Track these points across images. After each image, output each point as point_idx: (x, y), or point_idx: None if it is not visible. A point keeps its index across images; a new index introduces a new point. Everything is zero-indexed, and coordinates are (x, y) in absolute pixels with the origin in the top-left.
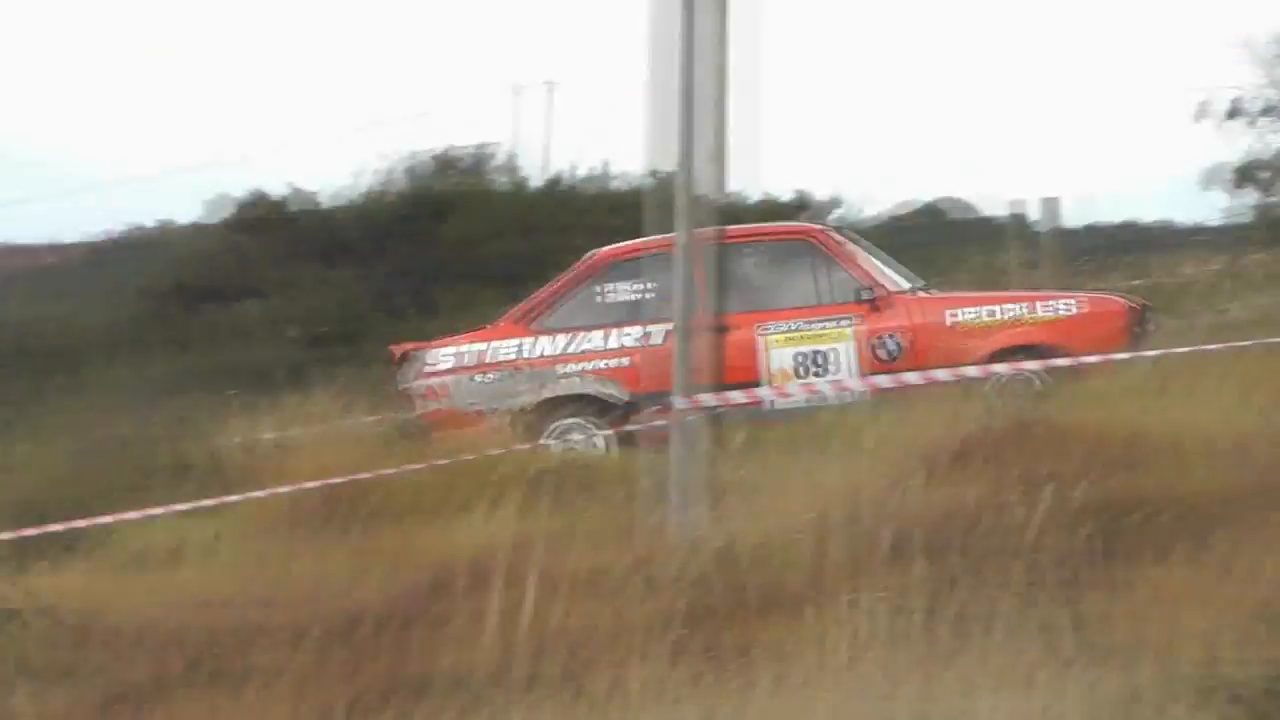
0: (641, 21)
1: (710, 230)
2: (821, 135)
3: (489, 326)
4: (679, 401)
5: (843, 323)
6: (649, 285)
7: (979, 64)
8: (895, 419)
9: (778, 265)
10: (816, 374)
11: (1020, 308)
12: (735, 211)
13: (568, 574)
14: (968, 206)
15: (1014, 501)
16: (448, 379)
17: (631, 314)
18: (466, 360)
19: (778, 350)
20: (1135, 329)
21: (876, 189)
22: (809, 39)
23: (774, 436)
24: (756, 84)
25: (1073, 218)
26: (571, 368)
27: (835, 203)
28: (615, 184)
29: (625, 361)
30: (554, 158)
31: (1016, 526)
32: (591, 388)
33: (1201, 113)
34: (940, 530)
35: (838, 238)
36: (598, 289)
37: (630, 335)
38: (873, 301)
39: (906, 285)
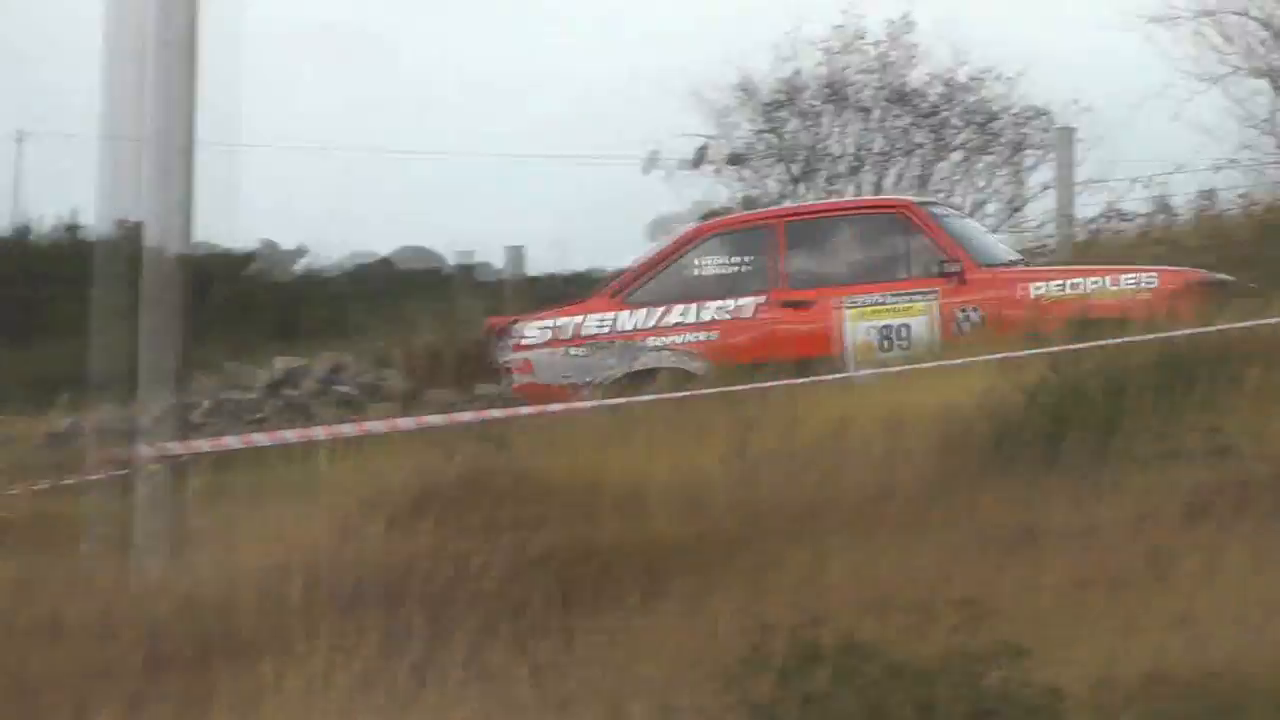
0: (109, 70)
1: None
2: (293, 186)
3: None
4: (143, 449)
5: (928, 296)
6: (744, 259)
7: (458, 113)
8: (361, 463)
9: (866, 239)
10: (901, 348)
11: (1103, 280)
12: (200, 261)
13: (27, 622)
14: (434, 256)
15: (472, 549)
16: (540, 352)
17: (722, 288)
18: (559, 334)
19: (858, 324)
20: (1216, 303)
21: (345, 238)
22: (284, 90)
23: (242, 482)
24: (229, 134)
25: (541, 265)
26: (659, 341)
27: (300, 252)
28: (83, 234)
29: (713, 335)
30: (23, 207)
31: (474, 574)
32: (674, 362)
33: (650, 164)
34: (399, 578)
35: (932, 210)
36: (693, 262)
37: (720, 309)
38: (957, 275)
39: (1003, 259)
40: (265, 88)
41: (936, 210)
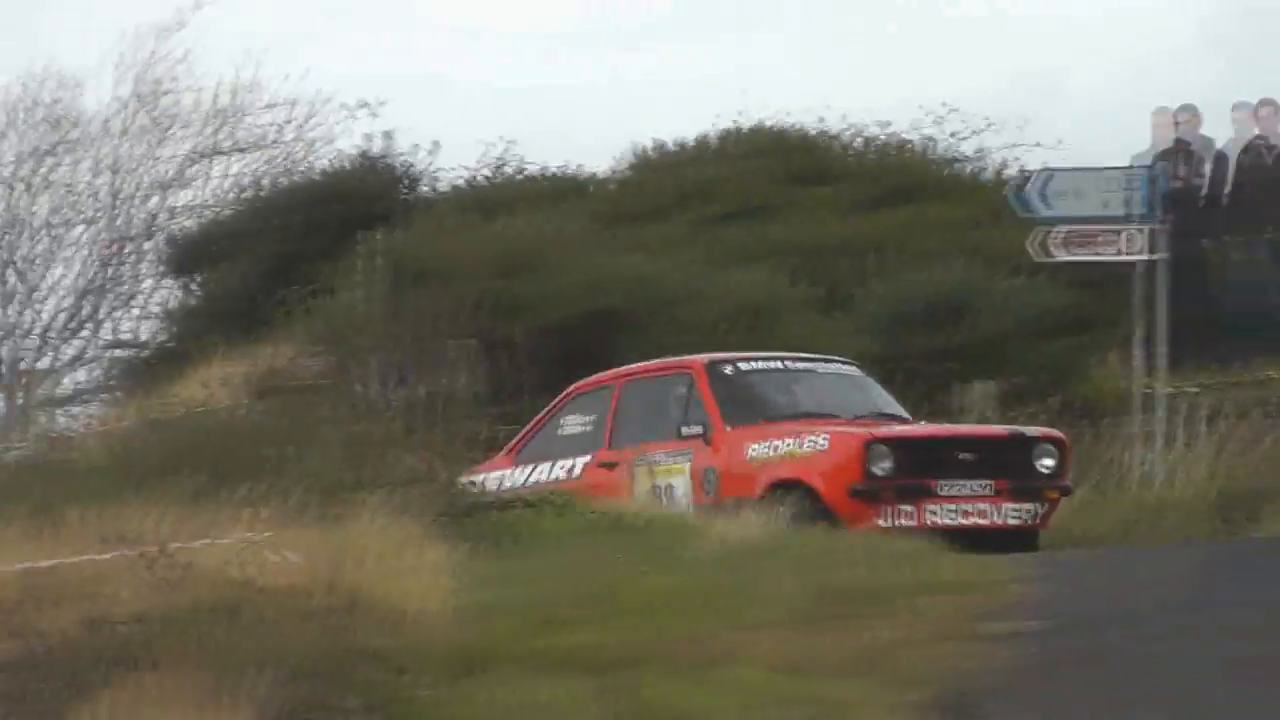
0: None
1: None
2: None
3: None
4: None
5: (681, 458)
6: (589, 418)
7: None
8: None
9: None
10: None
11: (789, 442)
12: None
13: None
14: None
15: None
16: None
17: (572, 447)
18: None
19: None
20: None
21: None
22: None
23: None
24: None
25: None
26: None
27: None
28: None
29: None
30: None
31: None
32: None
33: None
34: None
35: (719, 369)
36: (560, 421)
37: (563, 467)
38: (704, 436)
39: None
40: None
41: (724, 369)
